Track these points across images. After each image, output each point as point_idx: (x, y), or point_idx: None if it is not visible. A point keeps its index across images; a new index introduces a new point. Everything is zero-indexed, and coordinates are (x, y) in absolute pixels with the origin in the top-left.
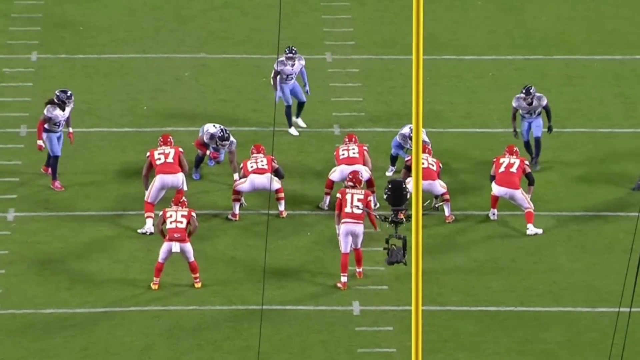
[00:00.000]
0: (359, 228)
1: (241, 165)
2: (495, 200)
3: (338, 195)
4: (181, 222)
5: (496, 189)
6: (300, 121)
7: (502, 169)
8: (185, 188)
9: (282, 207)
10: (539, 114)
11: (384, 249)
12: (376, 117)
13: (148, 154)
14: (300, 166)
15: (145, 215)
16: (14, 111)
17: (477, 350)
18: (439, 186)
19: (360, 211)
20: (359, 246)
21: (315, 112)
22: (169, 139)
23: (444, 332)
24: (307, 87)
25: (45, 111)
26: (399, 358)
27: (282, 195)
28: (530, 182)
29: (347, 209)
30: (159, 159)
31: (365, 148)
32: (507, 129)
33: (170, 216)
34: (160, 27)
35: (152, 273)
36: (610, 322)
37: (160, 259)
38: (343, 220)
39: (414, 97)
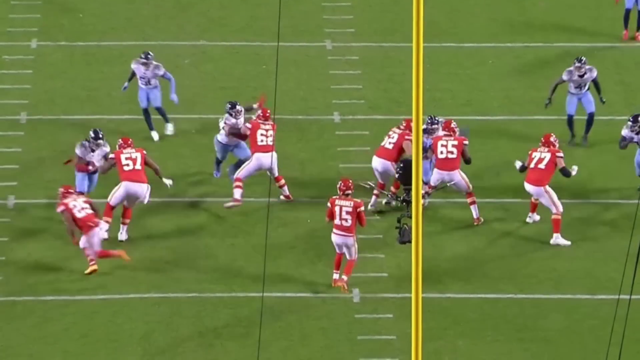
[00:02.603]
0: (349, 241)
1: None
2: (534, 206)
3: (328, 204)
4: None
5: (526, 187)
6: (169, 127)
7: (532, 164)
8: (146, 201)
9: (287, 192)
10: (588, 88)
11: (396, 227)
12: (376, 104)
13: (112, 155)
14: (300, 153)
15: (104, 218)
16: (13, 98)
17: (477, 337)
18: (460, 177)
19: (349, 224)
20: (351, 257)
21: (315, 99)
22: (129, 142)
23: (443, 319)
24: (173, 96)
25: (76, 149)
26: (398, 345)
27: (282, 181)
28: (566, 175)
29: (337, 221)
30: (127, 164)
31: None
32: (507, 116)
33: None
34: (159, 14)
35: (152, 261)
36: (610, 309)
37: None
38: (334, 231)
39: (414, 85)
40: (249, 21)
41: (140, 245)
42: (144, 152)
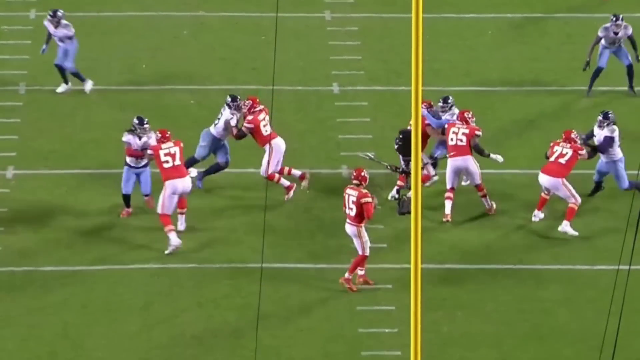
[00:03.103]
0: (354, 230)
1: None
2: (542, 203)
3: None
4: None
5: (540, 178)
6: (87, 84)
7: (553, 157)
8: (198, 186)
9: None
10: (622, 44)
11: (395, 199)
12: (375, 75)
13: (151, 151)
14: (299, 125)
15: (166, 229)
16: (12, 69)
17: (476, 308)
18: (474, 164)
19: (353, 213)
20: (360, 251)
21: (315, 70)
22: (167, 134)
23: (442, 290)
24: (67, 63)
25: (123, 137)
26: (397, 316)
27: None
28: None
29: (345, 209)
30: (166, 161)
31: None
32: (506, 87)
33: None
34: None
35: (152, 231)
36: (609, 279)
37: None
38: (346, 220)
39: (413, 56)
40: None
41: (140, 216)
42: (181, 144)
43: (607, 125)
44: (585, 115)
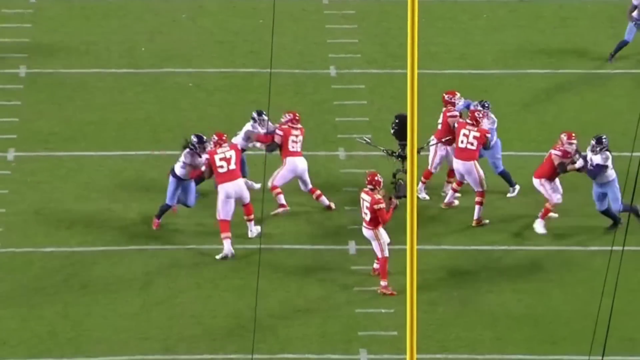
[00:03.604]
0: (370, 234)
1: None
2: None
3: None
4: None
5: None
6: None
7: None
8: (256, 187)
9: (326, 202)
10: None
11: (392, 183)
12: (372, 58)
13: (207, 157)
14: (297, 107)
15: (222, 236)
16: (12, 52)
17: (472, 288)
18: (476, 171)
19: (367, 218)
20: (379, 254)
21: (312, 53)
22: (224, 137)
23: (438, 270)
24: None
25: (182, 157)
26: (394, 296)
27: (318, 192)
28: (562, 171)
29: (362, 214)
30: (221, 166)
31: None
32: (501, 70)
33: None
34: None
35: (151, 213)
36: (602, 260)
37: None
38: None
39: (409, 39)
40: None
41: (140, 198)
42: (238, 147)
43: (601, 150)
44: (579, 97)
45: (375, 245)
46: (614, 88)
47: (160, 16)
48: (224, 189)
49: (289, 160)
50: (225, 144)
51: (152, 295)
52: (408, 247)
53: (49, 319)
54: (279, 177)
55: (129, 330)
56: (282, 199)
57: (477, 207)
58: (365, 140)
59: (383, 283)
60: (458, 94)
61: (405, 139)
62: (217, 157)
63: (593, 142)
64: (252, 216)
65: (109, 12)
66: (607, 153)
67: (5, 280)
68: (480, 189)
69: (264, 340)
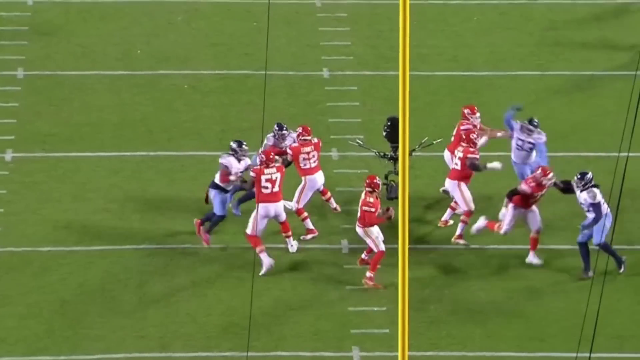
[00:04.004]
0: (359, 231)
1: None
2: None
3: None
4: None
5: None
6: None
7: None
8: (291, 206)
9: (334, 204)
10: None
11: (383, 184)
12: (364, 60)
13: (253, 174)
14: (290, 108)
15: (257, 250)
16: (10, 54)
17: (463, 286)
18: (459, 192)
19: (359, 215)
20: (374, 249)
21: (305, 55)
22: (271, 156)
23: (430, 269)
24: None
25: (220, 159)
26: (386, 295)
27: (328, 194)
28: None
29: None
30: (266, 187)
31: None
32: (492, 72)
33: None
34: None
35: (147, 212)
36: (591, 260)
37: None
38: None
39: (400, 42)
40: None
41: (136, 198)
42: (284, 170)
43: (585, 187)
44: (567, 99)
45: (369, 242)
46: (601, 89)
47: (156, 19)
48: (264, 208)
49: (308, 179)
50: (273, 165)
51: (148, 294)
52: (400, 246)
53: (47, 317)
54: (302, 198)
55: (125, 328)
56: (309, 223)
57: (460, 224)
58: (357, 142)
59: (369, 274)
60: (478, 113)
61: (397, 141)
62: (263, 178)
63: (576, 177)
64: (289, 232)
65: (106, 15)
66: (595, 190)
67: (3, 279)
68: (465, 209)
69: (258, 338)
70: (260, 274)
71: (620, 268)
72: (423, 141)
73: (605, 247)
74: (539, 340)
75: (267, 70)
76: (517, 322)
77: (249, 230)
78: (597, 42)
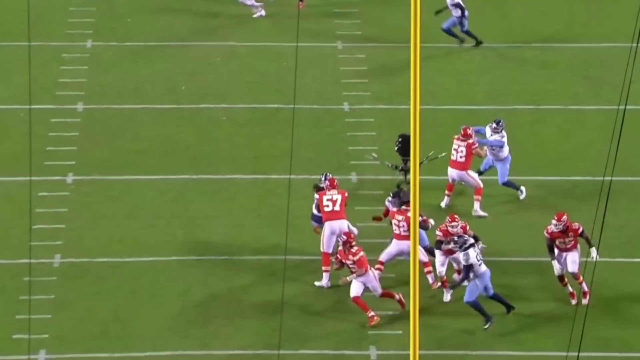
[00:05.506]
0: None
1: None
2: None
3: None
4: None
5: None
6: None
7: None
8: (355, 232)
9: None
10: None
11: (396, 192)
12: (380, 95)
13: (317, 196)
14: (315, 137)
15: (323, 268)
16: (71, 90)
17: (461, 294)
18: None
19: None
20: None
21: (328, 91)
22: (335, 183)
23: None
24: None
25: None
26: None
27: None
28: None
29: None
30: (327, 205)
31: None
32: (491, 106)
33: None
34: (196, 20)
35: (190, 228)
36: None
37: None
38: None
39: (412, 79)
40: (271, 24)
41: (180, 216)
42: (346, 194)
43: (461, 248)
44: (557, 130)
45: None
46: (587, 122)
47: (197, 60)
48: (329, 225)
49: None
50: (335, 189)
51: (191, 299)
52: (411, 251)
53: (102, 320)
54: (324, 244)
55: (171, 330)
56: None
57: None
58: (373, 155)
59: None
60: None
61: (408, 155)
62: (325, 198)
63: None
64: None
65: (154, 56)
66: (470, 252)
67: (64, 286)
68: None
69: (287, 339)
70: (315, 282)
71: (508, 312)
72: (430, 155)
73: (494, 298)
74: (532, 340)
75: (295, 104)
76: (514, 324)
77: (321, 247)
78: (584, 81)
